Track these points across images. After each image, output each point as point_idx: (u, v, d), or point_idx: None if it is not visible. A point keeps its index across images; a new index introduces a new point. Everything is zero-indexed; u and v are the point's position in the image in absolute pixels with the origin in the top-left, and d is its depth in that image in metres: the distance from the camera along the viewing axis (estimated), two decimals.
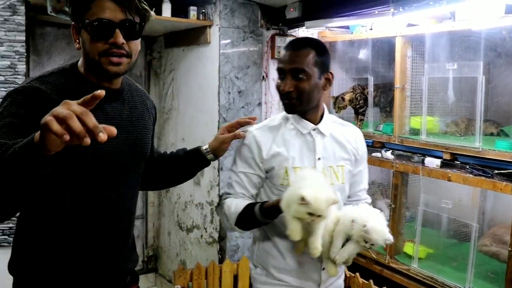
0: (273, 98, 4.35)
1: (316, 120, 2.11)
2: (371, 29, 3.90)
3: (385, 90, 3.88)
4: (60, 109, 1.11)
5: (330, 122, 2.16)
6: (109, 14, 1.51)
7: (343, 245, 1.92)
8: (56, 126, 1.09)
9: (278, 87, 2.04)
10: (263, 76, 4.28)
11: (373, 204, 3.92)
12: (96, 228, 1.68)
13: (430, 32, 3.32)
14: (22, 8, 3.35)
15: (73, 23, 1.62)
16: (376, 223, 1.87)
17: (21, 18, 3.35)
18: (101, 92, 1.14)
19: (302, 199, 1.69)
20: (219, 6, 3.97)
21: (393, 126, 3.59)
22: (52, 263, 1.65)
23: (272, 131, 2.10)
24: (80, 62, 1.67)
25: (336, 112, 4.01)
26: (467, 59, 3.21)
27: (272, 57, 4.29)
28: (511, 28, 2.95)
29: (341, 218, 1.94)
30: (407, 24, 3.51)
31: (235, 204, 2.06)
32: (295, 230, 1.79)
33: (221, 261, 4.00)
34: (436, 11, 3.02)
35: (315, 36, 4.48)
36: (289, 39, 4.31)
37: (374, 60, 4.00)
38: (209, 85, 4.05)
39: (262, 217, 1.94)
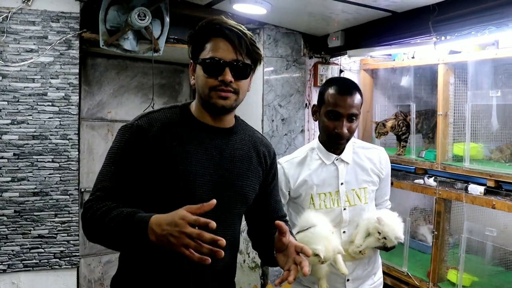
0: (316, 125, 4.42)
1: (341, 150, 2.30)
2: (413, 57, 3.93)
3: (428, 117, 3.89)
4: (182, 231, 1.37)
5: (352, 149, 2.34)
6: (221, 53, 1.63)
7: None
8: (186, 252, 1.38)
9: (330, 128, 2.19)
10: (306, 104, 4.36)
11: (416, 229, 3.92)
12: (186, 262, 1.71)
13: (473, 60, 3.33)
14: (77, 43, 3.54)
15: (191, 61, 1.76)
16: (389, 219, 2.21)
17: (75, 52, 3.54)
18: (212, 224, 1.36)
19: (316, 254, 1.95)
20: (263, 36, 4.09)
21: (435, 153, 3.59)
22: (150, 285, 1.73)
23: (299, 164, 2.34)
24: (193, 102, 1.80)
25: (376, 137, 4.05)
26: (510, 86, 3.21)
27: (315, 84, 4.37)
28: None
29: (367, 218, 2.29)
30: (449, 51, 3.53)
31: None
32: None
33: (263, 286, 4.04)
34: (478, 40, 3.05)
35: (357, 63, 4.55)
36: (331, 67, 4.40)
37: (416, 87, 4.02)
38: (253, 113, 4.16)
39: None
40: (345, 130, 2.16)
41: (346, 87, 2.22)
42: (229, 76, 1.63)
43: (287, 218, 2.10)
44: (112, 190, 1.61)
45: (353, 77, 4.56)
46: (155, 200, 1.63)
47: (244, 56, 1.67)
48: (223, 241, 1.35)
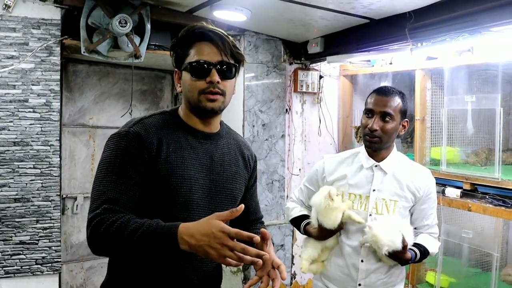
0: (296, 130, 4.48)
1: (382, 158, 2.37)
2: (391, 63, 4.00)
3: None
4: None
5: (396, 161, 2.40)
6: (207, 56, 1.67)
7: None
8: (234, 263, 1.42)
9: (365, 125, 2.33)
10: (287, 109, 4.41)
11: None
12: (180, 265, 1.73)
13: (449, 66, 3.41)
14: (58, 49, 3.54)
15: (175, 69, 1.80)
16: (380, 230, 2.17)
17: (56, 59, 3.54)
18: (257, 239, 1.42)
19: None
20: (243, 42, 4.14)
21: (414, 157, 3.66)
22: None
23: (340, 162, 2.46)
24: (180, 107, 1.83)
25: (358, 142, 4.11)
26: (485, 91, 3.29)
27: (295, 90, 4.43)
28: None
29: None
30: (426, 57, 3.61)
31: (295, 209, 2.58)
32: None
33: None
34: (453, 46, 3.12)
35: (337, 69, 4.62)
36: (311, 73, 4.46)
37: None
38: (234, 119, 4.20)
39: (302, 232, 2.50)
40: (376, 126, 2.26)
41: (384, 88, 2.36)
42: (216, 77, 1.66)
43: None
44: (119, 201, 1.58)
45: (333, 83, 4.65)
46: (153, 206, 1.65)
47: (228, 57, 1.70)
48: (267, 256, 1.43)
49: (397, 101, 2.29)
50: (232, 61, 1.72)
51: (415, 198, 2.36)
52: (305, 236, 2.50)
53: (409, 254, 2.21)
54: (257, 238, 1.41)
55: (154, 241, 1.45)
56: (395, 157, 2.40)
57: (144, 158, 1.63)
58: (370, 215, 2.30)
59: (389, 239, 2.15)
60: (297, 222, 2.52)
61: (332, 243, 2.38)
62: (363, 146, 2.41)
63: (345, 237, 2.37)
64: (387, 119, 2.27)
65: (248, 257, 1.39)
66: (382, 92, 2.33)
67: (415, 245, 2.31)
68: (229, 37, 1.73)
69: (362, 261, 2.30)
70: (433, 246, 2.37)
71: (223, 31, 1.73)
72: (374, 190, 2.32)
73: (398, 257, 2.20)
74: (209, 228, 1.40)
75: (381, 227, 2.19)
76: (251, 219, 2.06)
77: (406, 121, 2.37)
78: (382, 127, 2.26)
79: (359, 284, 2.33)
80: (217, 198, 1.78)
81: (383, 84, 4.24)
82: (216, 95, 1.69)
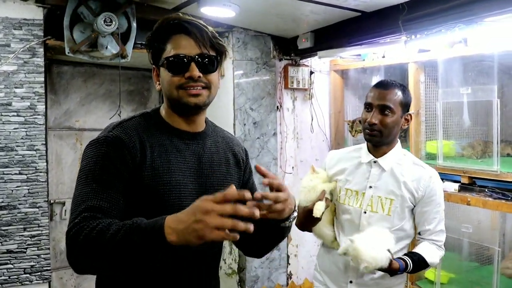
0: (288, 127, 4.40)
1: (381, 153, 2.33)
2: (383, 56, 3.94)
3: None
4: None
5: (397, 158, 2.33)
6: (185, 49, 1.55)
7: None
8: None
9: (364, 119, 2.30)
10: (278, 106, 4.33)
11: None
12: (174, 274, 1.63)
13: (443, 58, 3.36)
14: (41, 50, 3.43)
15: (153, 66, 1.68)
16: (364, 244, 2.08)
17: (40, 60, 3.43)
18: (248, 195, 1.27)
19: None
20: (232, 39, 4.05)
21: (409, 151, 3.61)
22: None
23: (342, 157, 2.46)
24: (162, 107, 1.71)
25: (353, 136, 4.05)
26: (480, 83, 3.24)
27: (286, 87, 4.36)
28: None
29: None
30: (418, 50, 3.55)
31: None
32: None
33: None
34: (448, 37, 3.06)
35: (327, 64, 4.55)
36: (301, 69, 4.38)
37: None
38: (224, 117, 4.11)
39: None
40: (375, 120, 2.22)
41: (384, 82, 2.33)
42: (196, 72, 1.55)
43: None
44: (101, 208, 1.43)
45: (324, 78, 4.58)
46: (140, 215, 1.37)
47: (208, 48, 1.59)
48: (257, 211, 1.25)
49: (396, 93, 2.25)
50: (213, 53, 1.61)
51: (414, 199, 2.27)
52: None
53: (396, 264, 2.11)
54: (248, 194, 1.27)
55: (139, 238, 1.27)
56: (397, 153, 2.33)
57: (127, 163, 1.51)
58: (365, 212, 2.26)
59: (372, 256, 2.06)
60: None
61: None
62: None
63: (341, 232, 2.36)
64: (386, 112, 2.23)
65: (241, 224, 1.21)
66: (381, 86, 2.30)
67: (410, 254, 2.23)
68: (208, 27, 1.61)
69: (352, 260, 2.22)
70: (433, 255, 2.27)
71: (201, 22, 1.61)
72: (370, 187, 2.29)
73: (383, 269, 2.12)
74: (193, 205, 1.25)
75: (366, 242, 2.10)
76: None
77: (409, 114, 2.32)
78: (381, 120, 2.23)
79: (351, 282, 2.31)
80: None
81: (375, 78, 4.18)
82: (199, 89, 1.57)
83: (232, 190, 1.25)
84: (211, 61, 1.60)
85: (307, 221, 2.29)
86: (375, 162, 2.31)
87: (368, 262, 2.05)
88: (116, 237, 1.28)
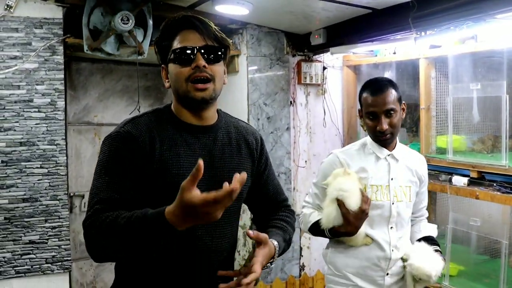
0: (301, 122, 4.48)
1: (392, 147, 2.41)
2: (394, 52, 3.99)
3: (411, 111, 3.96)
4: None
5: (401, 149, 2.46)
6: (191, 42, 1.64)
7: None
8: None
9: (373, 127, 2.33)
10: (291, 101, 4.40)
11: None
12: (186, 264, 1.70)
13: (453, 54, 3.40)
14: (61, 48, 3.55)
15: (162, 66, 1.75)
16: (417, 260, 2.28)
17: (60, 58, 3.55)
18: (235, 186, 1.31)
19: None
20: (246, 36, 4.13)
21: (419, 146, 3.66)
22: None
23: (356, 154, 2.45)
24: (172, 104, 1.77)
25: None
26: (490, 79, 3.28)
27: (299, 82, 4.43)
28: None
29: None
30: (430, 45, 3.59)
31: (313, 214, 2.44)
32: None
33: (255, 283, 4.07)
34: (457, 35, 3.11)
35: (340, 60, 4.61)
36: (314, 64, 4.45)
37: (399, 81, 4.08)
38: (238, 112, 4.19)
39: (328, 236, 2.36)
40: (385, 126, 2.28)
41: (377, 86, 2.35)
42: (202, 61, 1.61)
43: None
44: (111, 201, 1.53)
45: (337, 74, 4.65)
46: (150, 205, 1.46)
47: (212, 41, 1.67)
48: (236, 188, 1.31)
49: (392, 93, 2.31)
50: (217, 45, 1.68)
51: (420, 183, 2.48)
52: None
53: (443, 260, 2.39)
54: (235, 185, 1.30)
55: (148, 226, 1.38)
56: (399, 144, 2.46)
57: (137, 157, 1.60)
58: (393, 203, 2.35)
59: (434, 268, 2.26)
60: (318, 227, 2.38)
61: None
62: (369, 138, 2.43)
63: (368, 227, 2.36)
64: (391, 113, 2.30)
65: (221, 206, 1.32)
66: (377, 91, 2.32)
67: (432, 242, 2.43)
68: (211, 23, 1.69)
69: (392, 250, 2.35)
70: (435, 232, 2.56)
71: (205, 19, 1.69)
72: (392, 179, 2.38)
73: None
74: (188, 207, 1.31)
75: (419, 256, 2.30)
76: (274, 204, 2.02)
77: (404, 103, 2.40)
78: (389, 123, 2.30)
79: (387, 274, 2.37)
80: None
81: (387, 73, 4.23)
82: (205, 83, 1.63)
83: (211, 195, 1.29)
84: (216, 52, 1.67)
85: (360, 224, 2.26)
86: (389, 155, 2.39)
87: (436, 272, 2.26)
88: (126, 226, 1.40)
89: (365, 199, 2.23)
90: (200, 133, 1.72)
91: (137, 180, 1.59)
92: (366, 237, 2.36)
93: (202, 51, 1.64)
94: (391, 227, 2.36)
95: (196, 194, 1.29)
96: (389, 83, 2.35)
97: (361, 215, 2.22)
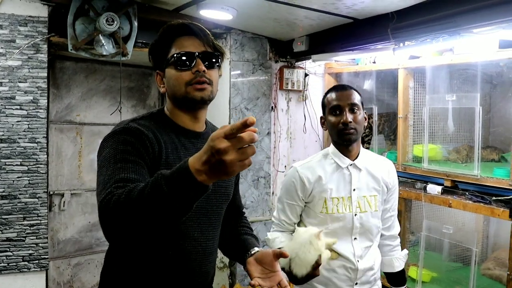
0: (282, 127, 4.54)
1: (355, 156, 2.37)
2: (374, 62, 4.07)
3: (389, 119, 4.04)
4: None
5: (365, 157, 2.41)
6: (190, 48, 1.68)
7: None
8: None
9: (336, 122, 2.29)
10: (272, 107, 4.46)
11: None
12: (177, 263, 1.73)
13: (431, 65, 3.48)
14: (45, 47, 3.56)
15: (157, 71, 1.78)
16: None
17: (43, 56, 3.56)
18: (251, 119, 1.14)
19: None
20: (229, 40, 4.18)
21: (397, 154, 3.73)
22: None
23: (314, 167, 2.38)
24: (165, 107, 1.80)
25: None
26: (465, 90, 3.37)
27: (281, 88, 4.49)
28: (506, 61, 3.09)
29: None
30: (409, 56, 3.67)
31: (276, 240, 2.39)
32: None
33: (231, 285, 4.12)
34: (434, 47, 3.19)
35: (322, 67, 4.68)
36: (296, 71, 4.52)
37: (379, 90, 4.17)
38: (220, 116, 4.25)
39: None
40: (349, 119, 2.24)
41: (342, 86, 2.38)
42: (202, 66, 1.66)
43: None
44: (129, 179, 1.44)
45: (318, 81, 4.71)
46: None
47: (211, 48, 1.73)
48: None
49: (355, 93, 2.32)
50: (215, 52, 1.74)
51: (387, 190, 2.42)
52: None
53: None
54: (252, 118, 1.13)
55: (170, 185, 1.25)
56: (364, 152, 2.43)
57: (148, 149, 1.58)
58: (355, 214, 2.32)
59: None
60: None
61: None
62: (331, 146, 2.40)
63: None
64: (355, 110, 2.28)
65: (250, 151, 1.18)
66: (341, 88, 2.36)
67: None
68: (207, 30, 1.75)
69: (358, 261, 2.31)
70: (403, 263, 2.61)
71: (202, 26, 1.75)
72: (354, 189, 2.34)
73: None
74: (208, 146, 1.19)
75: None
76: (237, 213, 2.09)
77: (365, 112, 2.38)
78: (354, 118, 2.27)
79: (356, 283, 2.34)
80: (213, 198, 1.77)
81: (367, 82, 4.31)
82: (204, 84, 1.67)
83: (235, 125, 1.16)
84: (214, 58, 1.72)
85: (303, 282, 2.08)
86: (351, 165, 2.34)
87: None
88: (145, 191, 1.27)
89: (316, 272, 2.02)
90: (194, 138, 1.76)
91: (148, 170, 1.55)
92: (332, 252, 2.28)
93: (202, 56, 1.69)
94: (355, 238, 2.33)
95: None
96: (353, 88, 2.36)
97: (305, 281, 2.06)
